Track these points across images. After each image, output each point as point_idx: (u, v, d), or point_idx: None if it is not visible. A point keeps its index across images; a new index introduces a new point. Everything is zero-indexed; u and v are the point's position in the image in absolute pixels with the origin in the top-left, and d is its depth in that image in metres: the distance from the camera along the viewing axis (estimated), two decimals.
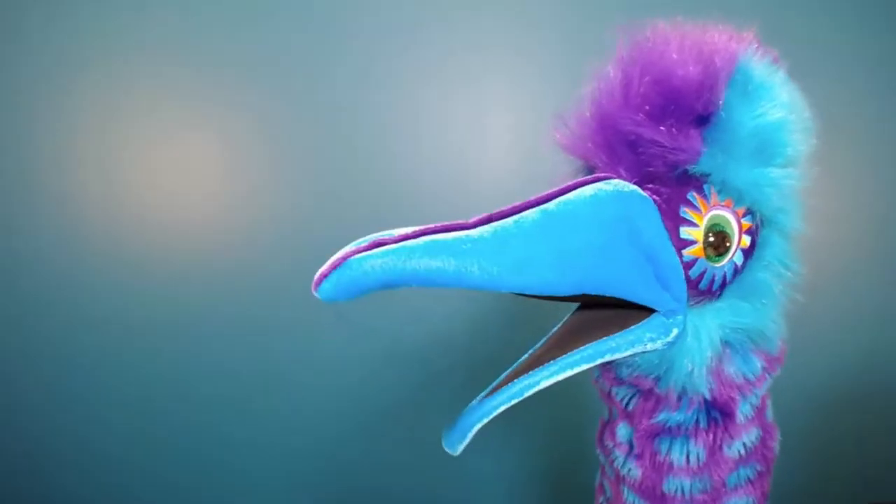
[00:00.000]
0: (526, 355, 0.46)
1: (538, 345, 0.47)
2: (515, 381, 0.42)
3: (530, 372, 0.42)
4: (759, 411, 0.50)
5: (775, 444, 0.52)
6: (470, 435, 0.41)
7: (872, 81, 1.21)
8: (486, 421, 0.41)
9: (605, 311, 0.45)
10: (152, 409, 1.17)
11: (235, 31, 1.11)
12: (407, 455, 1.22)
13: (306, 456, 1.21)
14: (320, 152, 1.15)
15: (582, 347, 0.43)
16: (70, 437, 1.17)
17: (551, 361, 0.43)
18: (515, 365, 0.45)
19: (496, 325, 1.15)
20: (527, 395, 0.42)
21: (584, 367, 0.43)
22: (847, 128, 1.21)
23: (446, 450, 0.41)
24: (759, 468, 0.50)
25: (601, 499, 0.57)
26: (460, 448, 0.41)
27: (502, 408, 0.42)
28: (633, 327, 0.43)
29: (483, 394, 0.43)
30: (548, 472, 1.24)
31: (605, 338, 0.43)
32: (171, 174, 1.13)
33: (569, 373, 0.43)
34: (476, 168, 1.17)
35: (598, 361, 0.43)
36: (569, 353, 0.43)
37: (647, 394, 0.49)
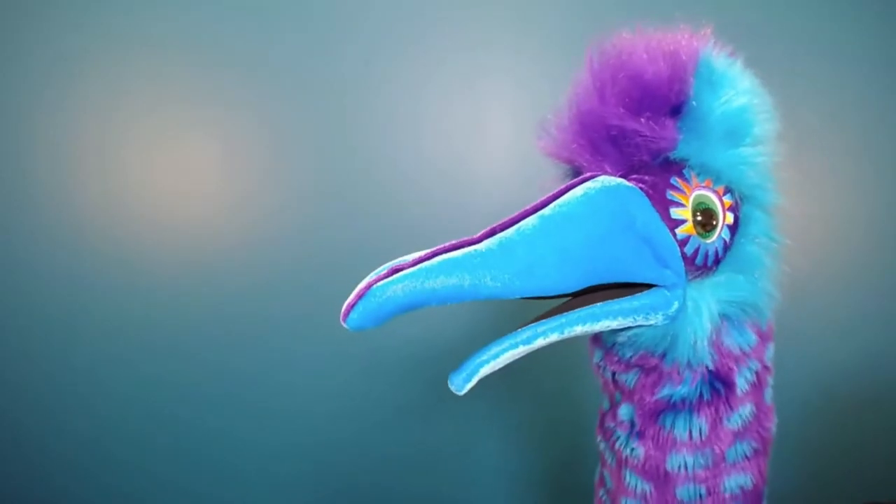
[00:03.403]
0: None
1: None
2: (522, 329, 0.43)
3: (537, 322, 0.44)
4: (755, 388, 0.51)
5: (772, 426, 0.53)
6: (476, 377, 0.42)
7: (874, 81, 1.21)
8: (493, 364, 0.42)
9: (610, 290, 0.47)
10: (152, 409, 1.17)
11: (235, 31, 1.12)
12: (407, 454, 1.22)
13: (306, 455, 1.21)
14: (320, 152, 1.15)
15: (588, 306, 0.45)
16: (69, 436, 1.17)
17: (558, 315, 0.44)
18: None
19: (495, 322, 1.15)
20: (535, 344, 0.43)
21: (589, 326, 0.45)
22: (847, 127, 1.21)
23: (452, 389, 0.42)
24: (754, 445, 0.52)
25: (601, 491, 0.57)
26: (466, 388, 0.42)
27: (510, 352, 0.42)
28: (637, 295, 0.46)
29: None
30: (548, 471, 1.24)
31: (610, 301, 0.45)
32: (170, 174, 1.13)
33: (576, 328, 0.44)
34: (476, 168, 1.17)
35: (602, 323, 0.45)
36: (576, 310, 0.45)
37: (648, 370, 0.50)
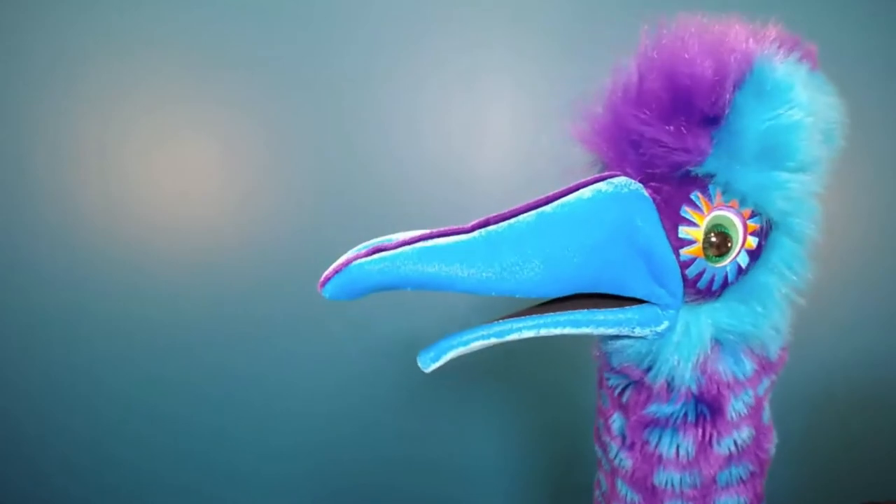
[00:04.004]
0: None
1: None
2: (499, 321, 0.43)
3: (515, 318, 0.43)
4: (754, 411, 0.49)
5: (770, 447, 0.52)
6: (444, 358, 0.42)
7: (874, 81, 1.21)
8: (462, 350, 0.42)
9: (603, 299, 0.46)
10: (152, 410, 1.17)
11: (235, 31, 1.11)
12: (406, 454, 1.22)
13: (306, 455, 1.21)
14: (320, 152, 1.15)
15: (571, 311, 0.44)
16: (69, 436, 1.17)
17: (539, 315, 0.43)
18: None
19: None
20: (507, 338, 0.43)
21: (568, 330, 0.44)
22: (848, 127, 1.21)
23: (419, 365, 0.42)
24: (751, 468, 0.50)
25: (597, 493, 0.57)
26: (432, 367, 0.42)
27: (480, 342, 0.42)
28: (625, 308, 0.44)
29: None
30: (548, 471, 1.24)
31: (595, 309, 0.44)
32: (170, 174, 1.13)
33: (553, 331, 0.43)
34: (476, 167, 1.17)
35: (583, 329, 0.44)
36: (557, 312, 0.43)
37: (639, 386, 0.49)
